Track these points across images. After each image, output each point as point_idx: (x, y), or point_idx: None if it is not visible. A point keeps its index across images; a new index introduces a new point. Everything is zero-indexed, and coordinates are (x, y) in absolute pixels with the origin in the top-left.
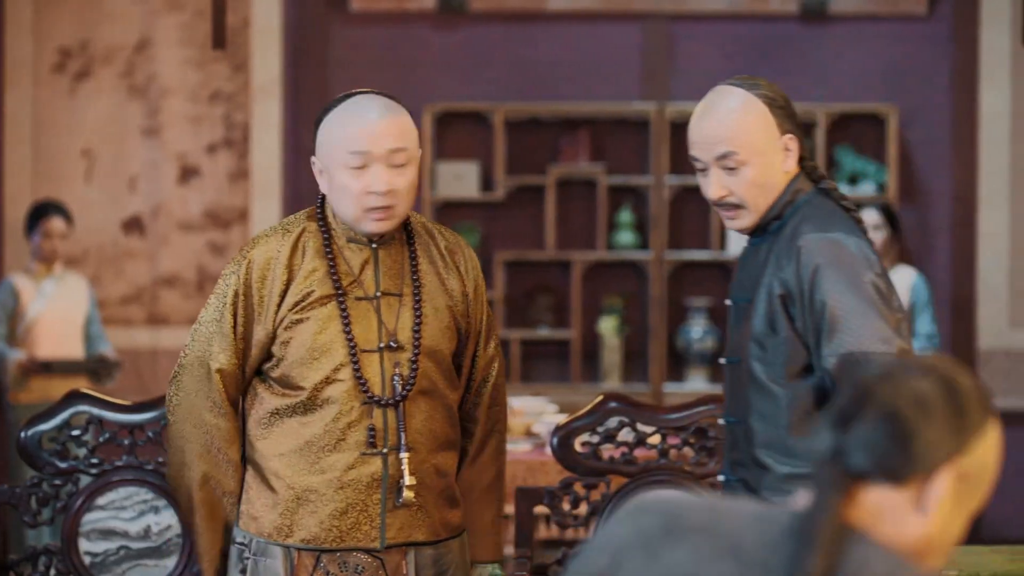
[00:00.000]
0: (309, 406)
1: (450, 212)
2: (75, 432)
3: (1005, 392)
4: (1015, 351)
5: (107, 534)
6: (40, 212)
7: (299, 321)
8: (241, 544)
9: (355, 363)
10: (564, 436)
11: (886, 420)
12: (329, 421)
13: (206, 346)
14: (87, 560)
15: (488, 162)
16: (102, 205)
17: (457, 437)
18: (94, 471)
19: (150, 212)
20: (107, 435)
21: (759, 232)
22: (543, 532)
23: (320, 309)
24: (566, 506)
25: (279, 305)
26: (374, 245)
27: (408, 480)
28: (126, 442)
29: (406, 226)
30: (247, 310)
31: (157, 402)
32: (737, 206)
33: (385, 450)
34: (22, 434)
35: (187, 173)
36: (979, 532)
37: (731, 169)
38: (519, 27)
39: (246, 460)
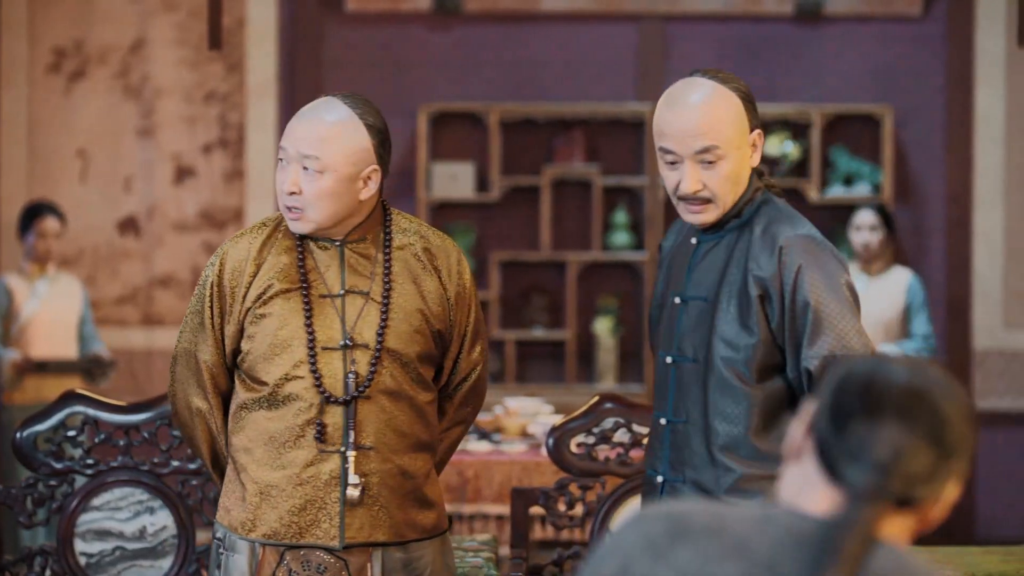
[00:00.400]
0: (272, 401)
1: (445, 213)
2: (71, 433)
3: (1000, 393)
4: (1009, 351)
5: (102, 535)
6: (34, 212)
7: (263, 316)
8: (218, 540)
9: (312, 360)
10: (559, 437)
11: (930, 455)
12: (289, 417)
13: (192, 337)
14: (83, 561)
15: (483, 163)
16: (97, 205)
17: (430, 438)
18: (89, 472)
19: (145, 212)
20: (102, 436)
21: (713, 229)
22: (538, 533)
23: (282, 304)
24: (561, 507)
25: (244, 298)
26: (338, 243)
27: (353, 479)
28: (121, 443)
29: (385, 225)
30: (221, 304)
31: (152, 403)
32: (708, 201)
33: (343, 448)
34: (18, 435)
35: (182, 173)
36: (972, 532)
37: (709, 163)
38: (514, 28)
39: (227, 448)
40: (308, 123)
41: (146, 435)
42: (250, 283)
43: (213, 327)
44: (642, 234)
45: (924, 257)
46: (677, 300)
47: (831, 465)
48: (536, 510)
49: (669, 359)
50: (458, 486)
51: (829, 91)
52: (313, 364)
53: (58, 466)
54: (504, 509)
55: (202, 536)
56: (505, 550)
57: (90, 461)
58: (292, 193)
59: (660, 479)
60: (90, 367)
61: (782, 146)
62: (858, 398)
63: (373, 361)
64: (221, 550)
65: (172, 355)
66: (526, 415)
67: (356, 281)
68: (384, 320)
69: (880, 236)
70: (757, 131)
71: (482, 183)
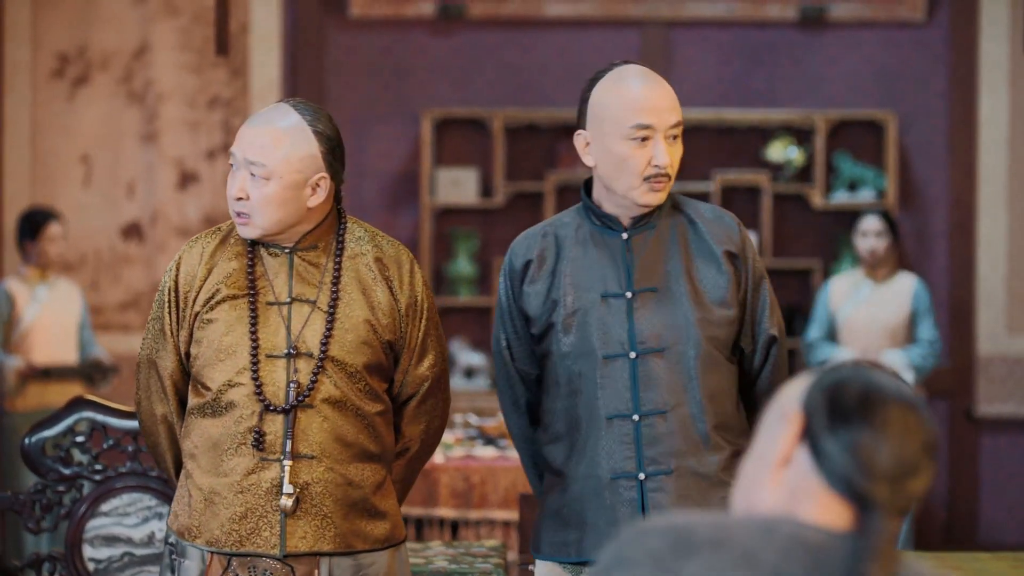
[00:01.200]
0: (215, 407)
1: (449, 218)
2: (79, 438)
3: (1004, 398)
4: (1013, 357)
5: (111, 540)
6: (38, 219)
7: (209, 321)
8: (170, 545)
9: (254, 367)
10: None
11: (931, 467)
12: (231, 424)
13: (152, 344)
14: (91, 567)
15: (487, 168)
16: (100, 210)
17: (381, 449)
18: (97, 477)
19: (148, 218)
20: (111, 441)
21: (641, 220)
22: None
23: (229, 310)
24: None
25: (194, 302)
26: (287, 250)
27: (288, 488)
28: (130, 448)
29: (338, 234)
30: (176, 309)
31: None
32: (669, 177)
33: (282, 457)
34: (26, 440)
35: (185, 179)
36: (975, 537)
37: (674, 139)
38: (517, 33)
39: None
40: (256, 129)
41: None
42: (200, 287)
43: (172, 333)
44: None
45: (928, 262)
46: (627, 295)
47: (835, 476)
48: None
49: (633, 354)
50: (464, 492)
51: (833, 97)
52: (255, 371)
53: (66, 472)
54: (510, 515)
55: None
56: (512, 555)
57: (98, 467)
58: (239, 199)
59: (642, 476)
60: (91, 372)
61: (786, 152)
62: (858, 409)
63: (315, 370)
64: (173, 555)
65: (136, 362)
66: None
67: (303, 289)
68: (329, 329)
69: (886, 242)
70: None
71: (486, 189)
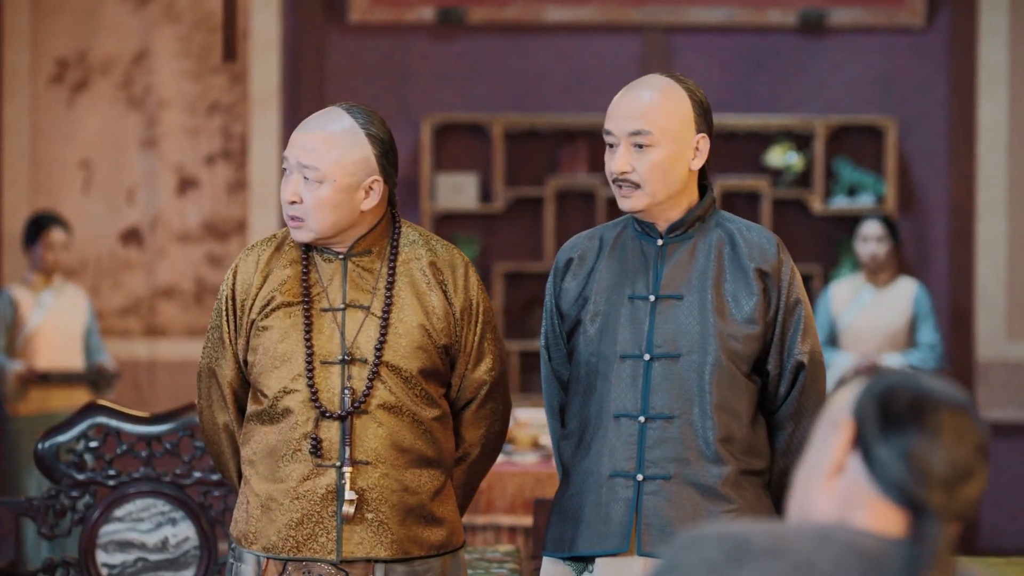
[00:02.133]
0: (271, 414)
1: (449, 223)
2: (92, 443)
3: (1004, 404)
4: (1013, 362)
5: (124, 546)
6: (40, 224)
7: (265, 328)
8: (231, 549)
9: (309, 374)
10: None
11: (984, 472)
12: (286, 430)
13: (212, 352)
14: (104, 572)
15: (487, 173)
16: (100, 216)
17: (439, 455)
18: (111, 483)
19: (148, 223)
20: (124, 447)
21: (676, 229)
22: None
23: (283, 318)
24: None
25: (250, 310)
26: (341, 256)
27: (349, 495)
28: (143, 454)
29: (392, 238)
30: (234, 317)
31: (174, 414)
32: (636, 185)
33: (339, 463)
34: (39, 445)
35: (185, 184)
36: (975, 543)
37: (640, 147)
38: (517, 38)
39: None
40: (309, 133)
41: (168, 446)
42: (256, 295)
43: (230, 342)
44: None
45: (927, 268)
46: (651, 298)
47: (889, 483)
48: None
49: (647, 356)
50: None
51: (832, 102)
52: (310, 378)
53: (80, 477)
54: (517, 520)
55: (224, 547)
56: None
57: (112, 472)
58: (293, 202)
59: (640, 477)
60: (95, 378)
61: (786, 157)
62: (910, 414)
63: (370, 376)
64: (231, 560)
65: (197, 371)
66: (536, 426)
67: (357, 295)
68: (383, 335)
69: (887, 247)
70: (702, 135)
71: (486, 194)
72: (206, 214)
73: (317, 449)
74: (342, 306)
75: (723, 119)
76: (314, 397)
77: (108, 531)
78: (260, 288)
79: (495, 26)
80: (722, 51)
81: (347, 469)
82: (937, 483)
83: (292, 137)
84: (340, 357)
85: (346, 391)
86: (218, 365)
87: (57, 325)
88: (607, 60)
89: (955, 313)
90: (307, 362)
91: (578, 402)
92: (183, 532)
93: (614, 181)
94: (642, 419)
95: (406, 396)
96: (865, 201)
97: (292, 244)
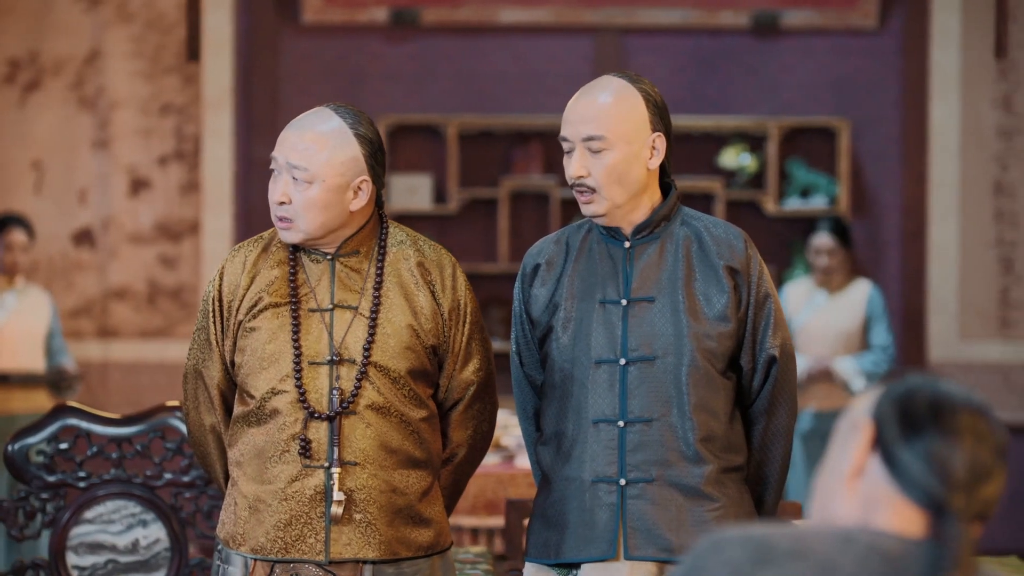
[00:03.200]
0: (259, 415)
1: (403, 224)
2: (62, 445)
3: None
4: (964, 362)
5: (95, 548)
6: (1, 224)
7: (252, 330)
8: (217, 551)
9: (298, 375)
10: None
11: (1003, 473)
12: (274, 431)
13: (199, 354)
14: (75, 574)
15: (441, 174)
16: (52, 217)
17: (427, 456)
18: (82, 484)
19: (100, 224)
20: (95, 448)
21: (643, 231)
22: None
23: (271, 319)
24: None
25: (237, 311)
26: (330, 257)
27: (337, 495)
28: (114, 455)
29: (380, 239)
30: (221, 319)
31: (144, 415)
32: (593, 190)
33: (327, 464)
34: (9, 447)
35: (138, 185)
36: None
37: (595, 152)
38: (471, 40)
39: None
40: (297, 133)
41: (139, 448)
42: (243, 296)
43: (217, 343)
44: None
45: (880, 269)
46: (623, 302)
47: (911, 485)
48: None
49: (623, 360)
50: None
51: (786, 104)
52: (298, 379)
53: (50, 479)
54: (480, 522)
55: (195, 549)
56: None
57: (82, 474)
58: (282, 203)
59: (623, 482)
60: (56, 380)
61: (739, 158)
62: (929, 417)
63: (358, 376)
64: (218, 561)
65: (183, 373)
66: (496, 427)
67: (345, 296)
68: (371, 336)
69: (838, 258)
70: (658, 134)
71: (440, 195)
72: (159, 215)
73: (306, 450)
74: (330, 307)
75: (677, 120)
76: (302, 398)
77: (78, 533)
78: (247, 289)
79: (449, 27)
80: (676, 52)
81: (335, 470)
82: (958, 484)
83: (281, 137)
84: (328, 358)
85: (334, 392)
86: (205, 366)
87: (20, 327)
88: (561, 61)
89: (907, 314)
90: (295, 363)
91: (554, 408)
92: (154, 534)
93: (573, 186)
94: (621, 423)
95: (394, 397)
96: (818, 202)
97: (279, 245)
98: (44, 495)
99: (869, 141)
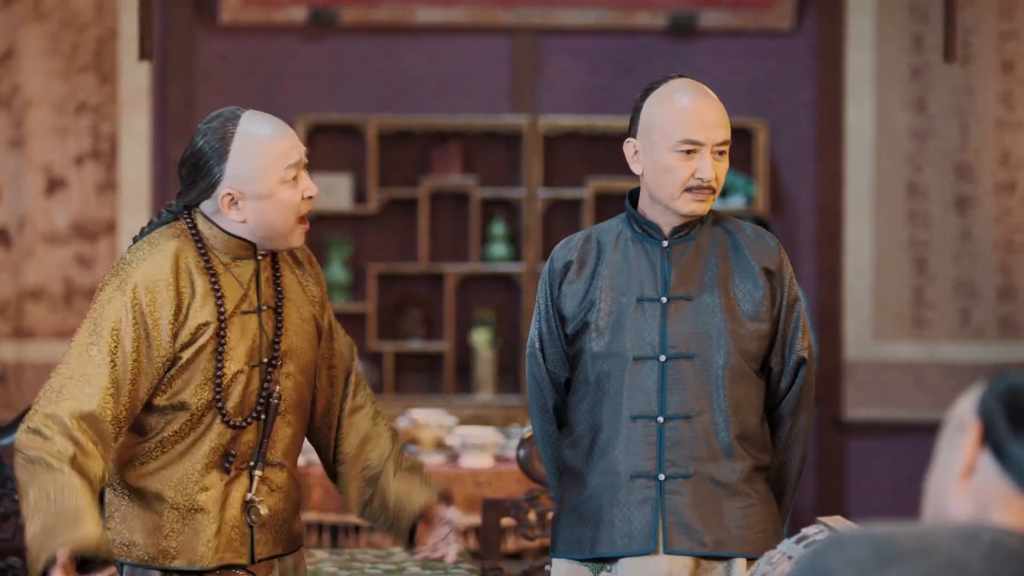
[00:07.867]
0: (192, 427)
1: (322, 225)
2: None
3: (869, 403)
4: (878, 362)
5: None
6: None
7: (198, 350)
8: (133, 573)
9: (218, 383)
10: (532, 448)
11: None
12: (205, 441)
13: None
14: None
15: (360, 174)
16: None
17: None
18: None
19: (15, 224)
20: None
21: (682, 231)
22: (511, 544)
23: (210, 334)
24: (532, 517)
25: (172, 332)
26: (259, 258)
27: (258, 497)
28: None
29: None
30: (138, 339)
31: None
32: (712, 191)
33: (252, 467)
34: None
35: (53, 185)
36: None
37: (720, 155)
38: (389, 40)
39: (119, 484)
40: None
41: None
42: (174, 316)
43: (117, 367)
44: (520, 246)
45: (796, 269)
46: (662, 299)
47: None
48: (506, 521)
49: (663, 357)
50: None
51: None
52: (219, 387)
53: None
54: (476, 519)
55: None
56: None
57: None
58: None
59: (662, 477)
60: None
61: None
62: None
63: (287, 376)
64: None
65: (29, 414)
66: (437, 427)
67: (268, 296)
68: (279, 331)
69: None
70: None
71: (359, 195)
72: (75, 215)
73: (231, 456)
74: (256, 308)
75: (593, 121)
76: (220, 406)
77: None
78: (177, 308)
79: (366, 27)
80: (592, 53)
81: (257, 473)
82: None
83: (287, 138)
84: (261, 360)
85: (263, 395)
86: (85, 400)
87: None
88: (477, 62)
89: (823, 314)
90: (218, 372)
91: (587, 404)
92: None
93: (692, 188)
94: (660, 419)
95: (306, 391)
96: (736, 203)
97: (187, 256)
98: None
99: (785, 142)
